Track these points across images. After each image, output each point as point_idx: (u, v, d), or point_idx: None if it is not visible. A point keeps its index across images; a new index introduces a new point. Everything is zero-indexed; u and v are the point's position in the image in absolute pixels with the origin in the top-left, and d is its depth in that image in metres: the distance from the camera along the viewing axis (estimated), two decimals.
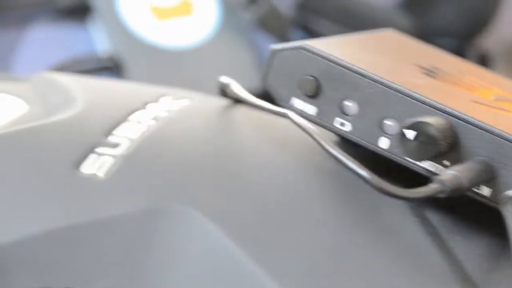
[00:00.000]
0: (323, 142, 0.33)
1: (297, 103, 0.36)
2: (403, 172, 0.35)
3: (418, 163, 0.34)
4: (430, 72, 0.38)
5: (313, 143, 0.36)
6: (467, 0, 0.68)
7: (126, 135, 0.37)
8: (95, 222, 0.34)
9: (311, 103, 0.36)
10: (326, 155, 0.36)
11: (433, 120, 0.33)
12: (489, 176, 0.33)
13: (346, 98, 0.35)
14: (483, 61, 0.69)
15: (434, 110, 0.33)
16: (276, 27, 0.62)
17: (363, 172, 0.32)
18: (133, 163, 0.35)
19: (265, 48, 0.65)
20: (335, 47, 0.37)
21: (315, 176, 0.35)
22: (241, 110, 0.39)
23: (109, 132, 0.37)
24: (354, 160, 0.32)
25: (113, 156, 0.36)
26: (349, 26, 0.64)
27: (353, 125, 0.35)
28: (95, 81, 0.42)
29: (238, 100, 0.40)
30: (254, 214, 0.34)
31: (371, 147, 0.35)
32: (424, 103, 0.33)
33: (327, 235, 0.33)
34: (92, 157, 0.36)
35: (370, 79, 0.34)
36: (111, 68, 0.60)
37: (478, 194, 0.33)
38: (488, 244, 0.34)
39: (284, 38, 0.62)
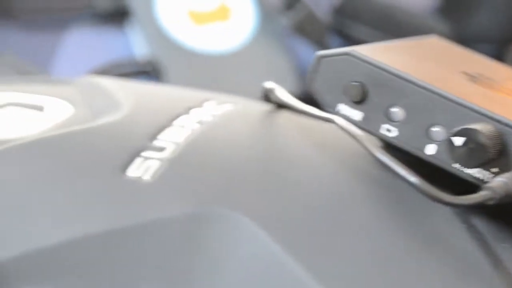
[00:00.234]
0: (371, 148, 0.33)
1: (343, 108, 0.36)
2: (441, 179, 0.35)
3: (465, 170, 0.34)
4: (475, 79, 0.38)
5: (358, 148, 0.36)
6: (504, 6, 0.67)
7: (171, 139, 0.37)
8: (142, 225, 0.34)
9: (357, 109, 0.36)
10: (371, 161, 0.36)
11: (482, 127, 0.33)
12: None
13: (393, 104, 0.35)
14: None
15: (483, 117, 0.33)
16: (313, 32, 0.62)
17: (413, 178, 0.32)
18: (179, 167, 0.36)
19: (302, 53, 0.65)
20: (381, 53, 0.37)
21: (361, 182, 0.35)
22: (285, 115, 0.39)
23: (154, 136, 0.37)
24: (404, 166, 0.32)
25: (159, 159, 0.36)
26: (386, 32, 0.64)
27: (399, 131, 0.35)
28: (138, 85, 0.43)
29: (281, 105, 0.40)
30: (301, 219, 0.34)
31: (417, 153, 0.35)
32: (472, 110, 0.33)
33: (374, 241, 0.33)
34: (138, 160, 0.36)
35: (418, 86, 0.34)
36: (149, 72, 0.60)
37: None
38: None
39: (321, 44, 0.62)
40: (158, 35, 0.61)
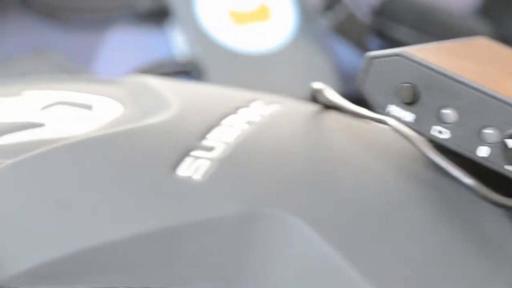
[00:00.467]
0: (426, 149, 0.33)
1: (394, 110, 0.36)
2: (489, 180, 0.35)
3: None
4: None
5: (408, 149, 0.36)
6: None
7: (221, 139, 0.37)
8: (193, 224, 0.34)
9: (408, 110, 0.36)
10: (422, 162, 0.36)
11: None
12: None
13: (445, 106, 0.35)
14: None
15: None
16: (353, 33, 0.62)
17: (469, 180, 0.31)
18: (229, 167, 0.36)
19: (341, 54, 0.65)
20: (432, 54, 0.36)
21: (412, 183, 0.35)
22: (333, 115, 0.39)
23: (203, 136, 0.37)
24: (459, 168, 0.32)
25: (209, 159, 0.36)
26: (426, 33, 0.64)
27: (451, 133, 0.35)
28: (184, 84, 0.43)
29: (327, 106, 0.40)
30: (352, 219, 0.34)
31: (469, 155, 0.35)
32: None
33: (426, 243, 0.33)
34: (188, 160, 0.36)
35: (470, 87, 0.34)
36: (189, 72, 0.60)
37: None
38: None
39: (360, 44, 0.62)
40: (198, 35, 0.61)
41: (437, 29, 0.64)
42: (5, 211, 0.35)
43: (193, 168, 0.36)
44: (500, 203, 0.31)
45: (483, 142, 0.34)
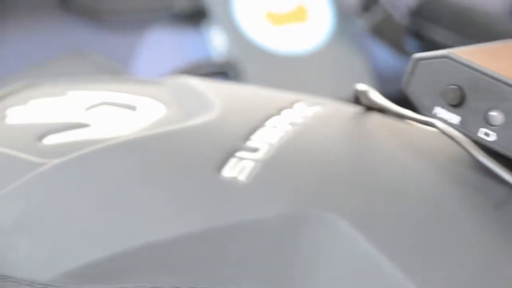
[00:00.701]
0: (476, 152, 0.33)
1: (440, 112, 0.36)
2: None
3: None
4: None
5: (452, 151, 0.36)
6: None
7: (265, 140, 0.37)
8: (237, 225, 0.34)
9: (454, 112, 0.35)
10: (467, 164, 0.35)
11: None
12: None
13: (492, 108, 0.35)
14: None
15: None
16: (390, 34, 0.62)
17: None
18: (273, 168, 0.36)
19: (379, 55, 0.65)
20: (478, 56, 0.36)
21: (457, 184, 0.35)
22: (376, 117, 0.39)
23: (247, 137, 0.37)
24: (508, 170, 0.32)
25: (253, 160, 0.36)
26: (464, 34, 0.63)
27: (498, 135, 0.35)
28: (226, 85, 0.43)
29: (370, 108, 0.40)
30: (397, 221, 0.34)
31: None
32: None
33: (472, 246, 0.33)
34: (232, 161, 0.36)
35: None
36: (227, 72, 0.60)
37: None
38: None
39: (398, 46, 0.62)
40: (235, 36, 0.61)
41: (475, 30, 0.64)
42: (51, 211, 0.35)
43: (238, 169, 0.36)
44: None
45: None
